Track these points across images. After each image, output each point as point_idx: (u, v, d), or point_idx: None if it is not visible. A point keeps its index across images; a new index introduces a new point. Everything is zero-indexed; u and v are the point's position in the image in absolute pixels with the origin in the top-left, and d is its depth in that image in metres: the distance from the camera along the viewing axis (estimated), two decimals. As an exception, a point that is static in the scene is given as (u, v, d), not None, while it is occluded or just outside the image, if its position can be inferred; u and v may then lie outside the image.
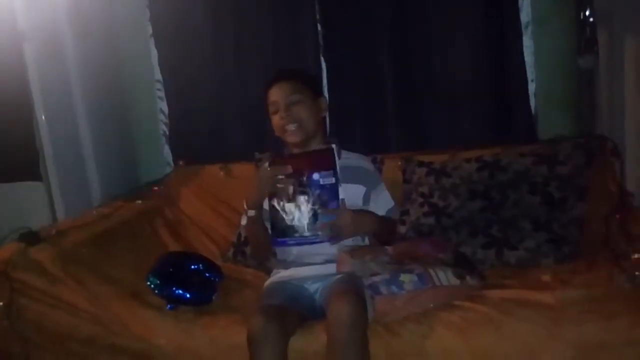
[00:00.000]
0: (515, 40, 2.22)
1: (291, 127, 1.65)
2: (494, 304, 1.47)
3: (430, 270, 1.52)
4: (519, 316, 1.42)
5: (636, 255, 1.50)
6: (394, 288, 1.48)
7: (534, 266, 1.71)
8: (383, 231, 1.66)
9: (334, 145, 1.53)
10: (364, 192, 1.69)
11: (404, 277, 1.49)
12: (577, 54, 2.19)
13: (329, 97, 2.39)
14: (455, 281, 1.51)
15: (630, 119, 2.00)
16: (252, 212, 1.63)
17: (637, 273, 1.46)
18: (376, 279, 1.50)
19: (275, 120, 1.66)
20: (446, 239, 1.83)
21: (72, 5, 2.27)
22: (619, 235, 1.66)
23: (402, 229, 1.93)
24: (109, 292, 1.74)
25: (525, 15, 2.23)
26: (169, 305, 1.68)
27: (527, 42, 2.24)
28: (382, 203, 1.71)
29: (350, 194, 1.63)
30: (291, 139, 1.67)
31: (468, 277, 1.54)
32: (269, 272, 1.80)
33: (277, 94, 1.65)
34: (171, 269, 1.77)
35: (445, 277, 1.51)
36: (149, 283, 1.72)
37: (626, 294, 1.44)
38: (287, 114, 1.64)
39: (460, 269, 1.55)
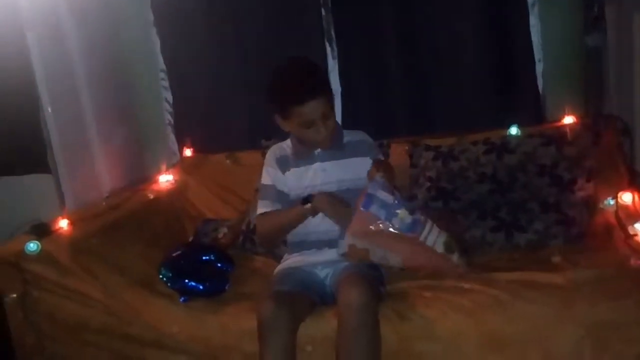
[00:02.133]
0: (522, 20, 2.19)
1: (327, 138, 1.64)
2: (504, 286, 1.48)
3: (429, 224, 1.50)
4: (529, 298, 1.42)
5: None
6: (383, 212, 1.47)
7: (544, 248, 1.71)
8: None
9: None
10: (370, 164, 1.69)
11: (400, 213, 1.48)
12: (584, 32, 2.16)
13: (339, 82, 2.40)
14: (440, 249, 1.50)
15: (639, 97, 1.97)
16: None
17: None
18: (381, 195, 1.48)
19: (309, 134, 1.63)
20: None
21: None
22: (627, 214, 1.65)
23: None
24: (120, 282, 1.75)
25: (531, -6, 2.20)
26: (182, 298, 1.69)
27: (534, 22, 2.21)
28: None
29: (359, 166, 1.66)
30: (324, 146, 1.69)
31: (455, 255, 1.51)
32: (279, 259, 1.81)
33: (312, 113, 1.57)
34: (182, 261, 1.78)
35: (433, 239, 1.49)
36: (161, 276, 1.73)
37: (636, 274, 1.44)
38: (325, 126, 1.60)
39: (455, 244, 1.52)
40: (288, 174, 1.73)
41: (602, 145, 1.89)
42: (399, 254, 1.50)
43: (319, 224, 1.67)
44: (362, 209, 1.48)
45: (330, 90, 1.67)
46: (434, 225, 1.51)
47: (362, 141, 1.76)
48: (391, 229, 1.47)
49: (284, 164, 1.74)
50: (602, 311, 1.36)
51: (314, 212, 1.63)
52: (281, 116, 1.63)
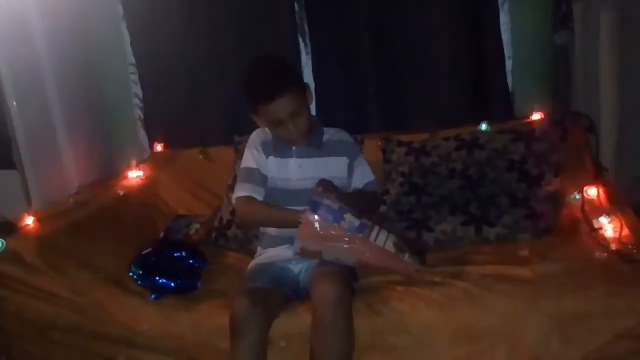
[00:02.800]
0: (492, 18, 2.22)
1: (299, 137, 1.62)
2: (474, 279, 1.50)
3: (376, 227, 1.51)
4: (498, 291, 1.45)
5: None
6: (330, 216, 1.48)
7: (513, 242, 1.74)
8: (364, 204, 1.65)
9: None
10: (347, 164, 1.71)
11: (347, 217, 1.48)
12: (552, 30, 2.20)
13: (312, 77, 2.39)
14: (391, 249, 1.50)
15: (605, 95, 2.03)
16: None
17: (611, 245, 1.50)
18: (326, 202, 1.48)
19: (280, 131, 1.61)
20: (426, 218, 1.85)
21: (38, -15, 2.20)
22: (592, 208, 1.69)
23: (383, 209, 1.94)
24: (89, 279, 1.72)
25: (501, -8, 2.23)
26: (152, 295, 1.67)
27: (504, 19, 2.24)
28: (361, 175, 1.73)
29: (335, 166, 1.66)
30: (298, 144, 1.67)
31: (406, 255, 1.52)
32: (252, 255, 1.80)
33: (279, 112, 1.56)
34: (153, 258, 1.76)
35: (383, 239, 1.50)
36: (131, 274, 1.71)
37: (601, 266, 1.48)
38: (294, 125, 1.58)
39: (404, 245, 1.53)
40: (270, 159, 1.71)
41: (569, 141, 1.94)
42: (351, 255, 1.50)
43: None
44: (309, 212, 1.48)
45: (302, 88, 1.62)
46: (381, 228, 1.52)
47: (341, 140, 1.75)
48: (340, 231, 1.47)
49: (267, 149, 1.71)
50: (570, 303, 1.40)
51: None
52: (253, 114, 1.63)
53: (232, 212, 2.00)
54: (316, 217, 1.47)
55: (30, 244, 1.76)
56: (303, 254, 1.52)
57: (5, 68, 2.09)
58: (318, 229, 1.47)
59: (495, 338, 1.43)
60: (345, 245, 1.48)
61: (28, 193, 2.18)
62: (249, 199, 1.66)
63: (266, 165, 1.70)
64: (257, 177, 1.69)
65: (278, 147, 1.71)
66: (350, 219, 1.48)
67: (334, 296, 1.39)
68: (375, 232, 1.50)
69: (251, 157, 1.71)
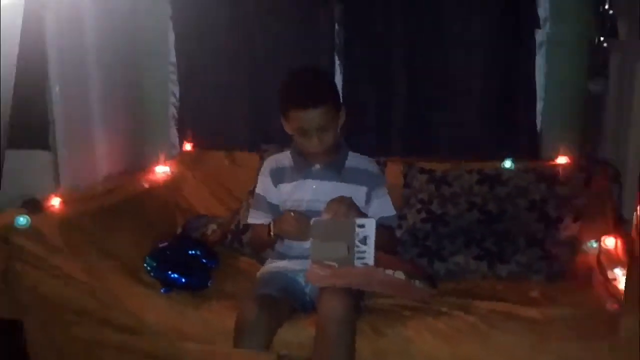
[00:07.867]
0: (528, 59, 2.24)
1: (320, 151, 1.64)
2: (482, 314, 1.50)
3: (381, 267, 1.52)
4: (505, 328, 1.45)
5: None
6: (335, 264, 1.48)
7: (525, 281, 1.73)
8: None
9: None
10: (365, 192, 1.70)
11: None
12: (587, 76, 2.21)
13: (342, 95, 2.42)
14: (400, 276, 1.50)
15: (633, 145, 2.01)
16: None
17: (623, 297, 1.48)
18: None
19: (303, 142, 1.63)
20: (440, 248, 1.86)
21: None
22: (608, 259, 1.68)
23: (398, 233, 1.95)
24: (106, 265, 1.77)
25: (540, 35, 2.24)
26: (163, 289, 1.71)
27: (540, 62, 2.25)
28: (378, 207, 1.70)
29: (352, 194, 1.62)
30: (317, 159, 1.69)
31: (417, 281, 1.52)
32: (262, 262, 1.82)
33: (308, 121, 1.57)
34: (169, 253, 1.80)
35: (391, 271, 1.50)
36: (145, 265, 1.75)
37: (610, 317, 1.46)
38: (319, 138, 1.59)
39: (413, 273, 1.54)
40: (281, 186, 1.72)
41: (593, 188, 1.93)
42: (365, 286, 1.52)
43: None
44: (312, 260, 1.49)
45: (338, 107, 1.63)
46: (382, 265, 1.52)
47: (365, 170, 1.72)
48: (344, 266, 1.48)
49: (278, 177, 1.73)
50: (574, 349, 1.39)
51: (281, 238, 1.66)
52: (283, 116, 1.65)
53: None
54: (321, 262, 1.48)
55: (54, 224, 1.81)
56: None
57: (53, 54, 2.17)
58: (325, 272, 1.47)
59: (498, 375, 1.42)
60: (356, 279, 1.48)
61: (58, 175, 2.24)
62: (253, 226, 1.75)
63: (275, 193, 1.73)
64: (263, 204, 1.74)
65: (297, 169, 1.71)
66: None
67: (342, 312, 1.41)
68: (382, 269, 1.51)
69: (261, 183, 1.76)
